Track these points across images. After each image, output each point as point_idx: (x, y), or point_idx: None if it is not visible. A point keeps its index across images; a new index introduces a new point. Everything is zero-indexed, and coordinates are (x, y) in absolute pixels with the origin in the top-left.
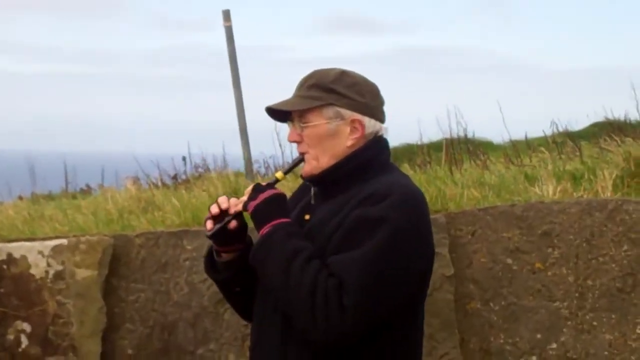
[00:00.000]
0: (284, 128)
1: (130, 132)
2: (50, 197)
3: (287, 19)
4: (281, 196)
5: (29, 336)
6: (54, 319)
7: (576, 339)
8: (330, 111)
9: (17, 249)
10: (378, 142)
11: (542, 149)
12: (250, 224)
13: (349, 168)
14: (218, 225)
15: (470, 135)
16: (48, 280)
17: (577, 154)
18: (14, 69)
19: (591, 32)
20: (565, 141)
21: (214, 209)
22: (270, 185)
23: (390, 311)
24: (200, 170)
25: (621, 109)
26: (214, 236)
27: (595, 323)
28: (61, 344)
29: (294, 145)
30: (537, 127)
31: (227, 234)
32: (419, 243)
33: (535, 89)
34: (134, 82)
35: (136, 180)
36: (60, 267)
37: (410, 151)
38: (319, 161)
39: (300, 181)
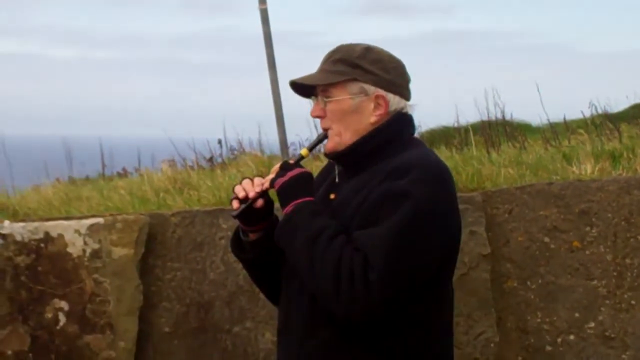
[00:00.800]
0: None
1: (166, 116)
2: (87, 180)
3: (320, 2)
4: (308, 175)
5: (67, 314)
6: (91, 297)
7: (614, 317)
8: (354, 86)
9: (54, 227)
10: (402, 118)
11: (581, 130)
12: (276, 202)
13: (372, 144)
14: (244, 205)
15: (508, 117)
16: (85, 259)
17: (616, 135)
18: (47, 53)
19: (630, 14)
20: (604, 122)
21: (240, 192)
22: (297, 164)
23: (415, 286)
24: (235, 152)
25: None
26: (240, 216)
27: (633, 302)
28: (98, 322)
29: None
30: (575, 109)
31: (253, 212)
32: (442, 217)
33: (574, 71)
34: (167, 67)
35: (172, 163)
36: (97, 246)
37: (447, 134)
38: (341, 137)
39: (325, 161)
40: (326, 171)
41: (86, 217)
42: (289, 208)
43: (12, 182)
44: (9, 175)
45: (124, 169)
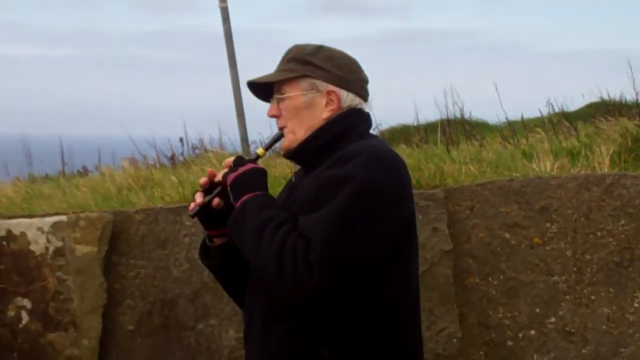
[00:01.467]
0: None
1: (126, 115)
2: (47, 178)
3: (279, 1)
4: (261, 171)
5: (30, 312)
6: (55, 295)
7: (574, 313)
8: (305, 83)
9: (16, 225)
10: (355, 113)
11: (539, 129)
12: None
13: (324, 138)
14: (198, 203)
15: (467, 115)
16: (48, 257)
17: (574, 133)
18: (5, 51)
19: (585, 15)
20: (561, 121)
21: (197, 197)
22: (251, 161)
23: (361, 270)
24: (197, 151)
25: (616, 90)
26: (197, 214)
27: (593, 297)
28: (62, 320)
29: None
30: (532, 108)
31: (214, 214)
32: (386, 200)
33: (531, 71)
34: (126, 65)
35: (133, 161)
36: (60, 244)
37: (406, 132)
38: (295, 134)
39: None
40: (289, 182)
41: (49, 215)
42: (239, 202)
43: None
44: None
45: (84, 167)
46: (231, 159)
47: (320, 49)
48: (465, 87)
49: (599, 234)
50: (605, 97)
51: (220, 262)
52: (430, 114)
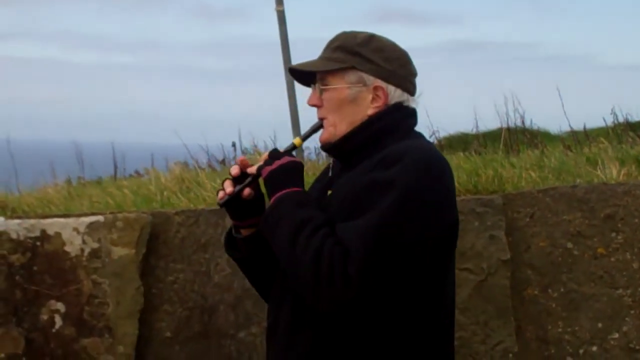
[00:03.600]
0: None
1: (180, 122)
2: (98, 182)
3: (334, 9)
4: (298, 164)
5: (63, 316)
6: (89, 299)
7: (639, 329)
8: (352, 75)
9: (51, 225)
10: (400, 109)
11: (602, 139)
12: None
13: (366, 135)
14: (228, 192)
15: (527, 124)
16: (83, 259)
17: (638, 142)
18: (63, 58)
19: None
20: (625, 130)
21: (227, 186)
22: (288, 152)
23: (400, 281)
24: (249, 155)
25: None
26: (226, 204)
27: None
28: (96, 324)
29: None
30: (595, 119)
31: (242, 204)
32: (431, 209)
33: (593, 83)
34: (182, 73)
35: (184, 164)
36: (96, 245)
37: (465, 140)
38: (336, 128)
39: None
40: (325, 171)
41: (85, 215)
42: (274, 197)
43: (17, 184)
44: (15, 177)
45: (136, 172)
46: (265, 154)
47: (370, 38)
48: (526, 96)
49: None
50: None
51: (246, 254)
52: (490, 123)
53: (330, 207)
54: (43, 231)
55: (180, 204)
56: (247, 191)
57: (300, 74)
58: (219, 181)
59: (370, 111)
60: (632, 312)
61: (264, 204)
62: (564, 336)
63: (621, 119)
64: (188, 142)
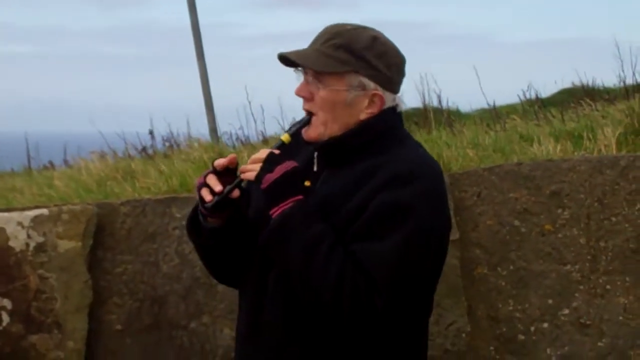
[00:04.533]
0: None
1: (90, 111)
2: (14, 173)
3: None
4: (298, 170)
5: (10, 313)
6: (36, 294)
7: (589, 303)
8: (353, 79)
9: None
10: (393, 114)
11: (514, 116)
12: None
13: (361, 140)
14: (218, 197)
15: (444, 103)
16: (29, 253)
17: (552, 119)
18: None
19: (539, 6)
20: (539, 107)
21: (215, 185)
22: (283, 156)
23: (419, 303)
24: (167, 143)
25: (588, 77)
26: (214, 208)
27: (608, 287)
28: (45, 320)
29: (267, 112)
30: (500, 97)
31: (225, 202)
32: (441, 231)
33: (496, 61)
34: (87, 61)
35: (103, 154)
36: (41, 239)
37: None
38: (327, 128)
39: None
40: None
41: (29, 209)
42: (279, 210)
43: None
44: None
45: (50, 162)
46: (259, 155)
47: (375, 41)
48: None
49: (614, 219)
50: (577, 83)
51: (212, 243)
52: (406, 102)
53: (321, 206)
54: None
55: (124, 194)
56: (236, 192)
57: (285, 57)
58: (162, 167)
59: (363, 116)
60: (581, 287)
61: (243, 199)
62: (515, 314)
63: (532, 96)
64: (99, 130)
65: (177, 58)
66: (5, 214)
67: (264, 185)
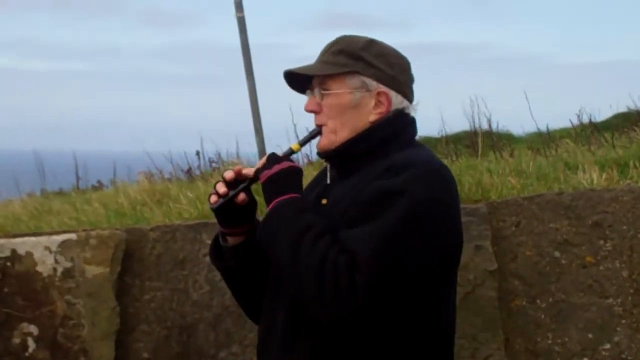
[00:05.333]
0: (300, 122)
1: (141, 129)
2: (60, 193)
3: (282, 15)
4: (297, 169)
5: (37, 339)
6: (63, 320)
7: (631, 338)
8: (355, 80)
9: (22, 245)
10: (402, 117)
11: (567, 140)
12: (260, 201)
13: (368, 143)
14: (224, 198)
15: (494, 127)
16: (56, 279)
17: (605, 144)
18: (22, 67)
19: (595, 28)
20: (592, 132)
21: (220, 188)
22: (286, 157)
23: (407, 292)
24: (214, 164)
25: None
26: (220, 208)
27: None
28: (71, 347)
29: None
30: (556, 120)
31: (233, 210)
32: (441, 219)
33: (552, 83)
34: (139, 79)
35: (149, 175)
36: (69, 264)
37: (430, 144)
38: (337, 134)
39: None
40: (318, 179)
41: (57, 233)
42: (273, 203)
43: None
44: None
45: (99, 182)
46: (263, 159)
47: (371, 43)
48: (486, 98)
49: None
50: (632, 107)
51: (233, 264)
52: (456, 126)
53: (328, 216)
54: (13, 251)
55: (154, 219)
56: (241, 196)
57: (295, 80)
58: (190, 195)
59: (373, 117)
60: (623, 321)
61: (255, 211)
62: (554, 348)
63: (585, 120)
64: (151, 150)
65: (231, 77)
66: (33, 239)
67: (261, 180)
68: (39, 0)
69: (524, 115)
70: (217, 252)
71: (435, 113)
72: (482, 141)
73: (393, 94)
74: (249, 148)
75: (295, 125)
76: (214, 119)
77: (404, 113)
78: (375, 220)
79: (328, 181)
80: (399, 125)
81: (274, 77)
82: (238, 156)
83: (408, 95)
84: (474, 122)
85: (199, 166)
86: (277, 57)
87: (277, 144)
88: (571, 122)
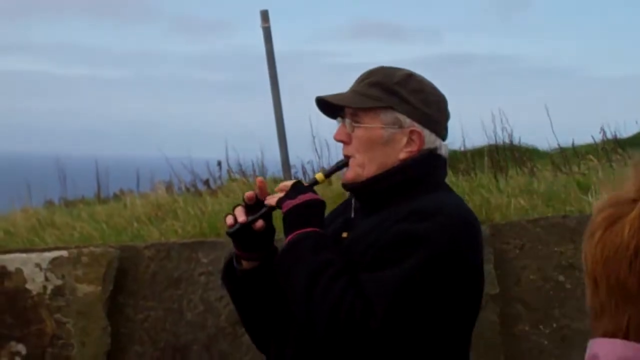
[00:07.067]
0: (323, 131)
1: (169, 136)
2: (84, 202)
3: (311, 23)
4: (321, 203)
5: (24, 358)
6: (53, 339)
7: None
8: (388, 116)
9: (12, 261)
10: (434, 158)
11: (591, 156)
12: (278, 230)
13: (396, 180)
14: (240, 221)
15: (516, 141)
16: (46, 297)
17: (628, 161)
18: (56, 71)
19: (631, 38)
20: (614, 148)
21: (240, 214)
22: (310, 188)
23: (420, 340)
24: (234, 175)
25: None
26: (236, 233)
27: None
28: None
29: (339, 147)
30: (584, 134)
31: (251, 235)
32: (462, 270)
33: (579, 96)
34: (174, 86)
35: (169, 185)
36: (59, 282)
37: (452, 158)
38: (364, 169)
39: (342, 197)
40: (341, 210)
41: (49, 250)
42: (294, 235)
43: None
44: None
45: (120, 190)
46: (287, 182)
47: (409, 77)
48: (513, 111)
49: None
50: None
51: (245, 288)
52: (477, 139)
53: (347, 251)
54: (3, 267)
55: (151, 236)
56: (259, 223)
57: (327, 105)
58: (191, 211)
59: (403, 155)
60: None
61: (273, 237)
62: None
63: (610, 136)
64: (176, 156)
65: (262, 84)
66: (23, 255)
67: (284, 209)
68: (75, 5)
69: (554, 130)
70: (229, 273)
71: (460, 125)
72: (504, 156)
73: (427, 133)
74: (274, 158)
75: (314, 138)
76: (242, 126)
77: (435, 154)
78: (394, 267)
79: (352, 215)
80: (430, 166)
81: (301, 85)
82: (262, 165)
83: (442, 134)
84: (495, 136)
85: (219, 177)
86: (306, 65)
87: (296, 155)
88: (593, 138)
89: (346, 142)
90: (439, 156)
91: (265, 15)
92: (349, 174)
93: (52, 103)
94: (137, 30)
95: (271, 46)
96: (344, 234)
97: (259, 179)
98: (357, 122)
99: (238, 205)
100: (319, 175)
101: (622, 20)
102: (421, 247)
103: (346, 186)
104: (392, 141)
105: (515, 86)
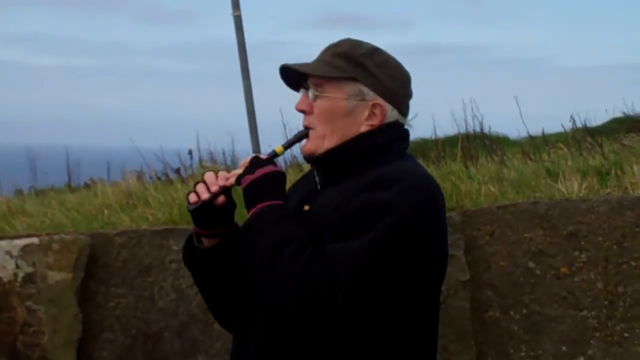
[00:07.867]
0: (293, 121)
1: (140, 125)
2: (54, 190)
3: (282, 14)
4: (281, 174)
5: None
6: (23, 327)
7: (605, 352)
8: (352, 87)
9: None
10: (393, 128)
11: (561, 144)
12: (239, 205)
13: (356, 151)
14: (203, 199)
15: (486, 130)
16: (17, 284)
17: (598, 150)
18: (30, 61)
19: (599, 30)
20: (584, 137)
21: (200, 189)
22: (270, 161)
23: (388, 307)
24: (205, 162)
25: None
26: (198, 210)
27: (626, 334)
28: (31, 355)
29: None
30: (554, 123)
31: (212, 211)
32: (426, 239)
33: (549, 86)
34: (145, 76)
35: (141, 174)
36: (30, 269)
37: (423, 146)
38: (325, 140)
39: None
40: (300, 183)
41: (19, 237)
42: (255, 209)
43: None
44: None
45: (91, 179)
46: (247, 159)
47: (375, 51)
48: (484, 100)
49: (633, 263)
50: (629, 112)
51: (207, 267)
52: (448, 128)
53: (310, 223)
54: None
55: (121, 223)
56: (220, 198)
57: (290, 76)
58: (160, 197)
59: (364, 128)
60: (598, 334)
61: (234, 214)
62: None
63: (579, 124)
64: (147, 147)
65: (233, 74)
66: None
67: (243, 184)
68: None
69: (525, 119)
70: (190, 252)
71: (431, 114)
72: (475, 144)
73: (389, 108)
74: (245, 146)
75: (285, 125)
76: (213, 116)
77: (398, 124)
78: (359, 237)
79: (319, 187)
80: (391, 136)
81: (272, 75)
82: (234, 154)
83: (404, 110)
84: (465, 125)
85: (190, 165)
86: (276, 55)
87: (268, 144)
88: (563, 127)
89: (307, 112)
90: (401, 125)
91: (236, 3)
92: (308, 145)
93: (21, 93)
94: (105, 19)
95: (242, 35)
96: (306, 207)
97: (221, 172)
98: (320, 91)
99: (199, 182)
100: (279, 148)
101: (591, 10)
102: (385, 215)
103: (307, 159)
104: (354, 113)
105: (486, 75)
